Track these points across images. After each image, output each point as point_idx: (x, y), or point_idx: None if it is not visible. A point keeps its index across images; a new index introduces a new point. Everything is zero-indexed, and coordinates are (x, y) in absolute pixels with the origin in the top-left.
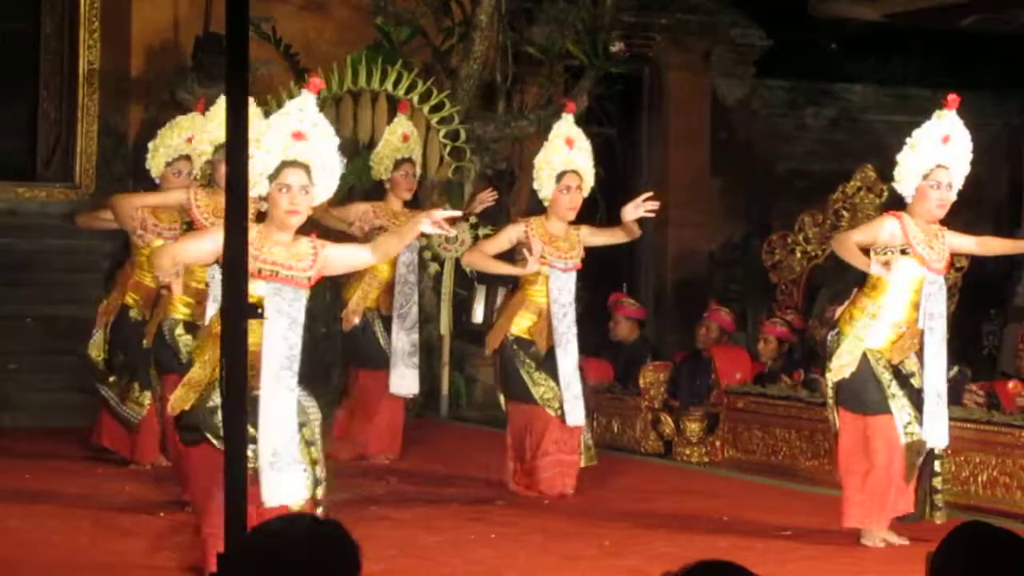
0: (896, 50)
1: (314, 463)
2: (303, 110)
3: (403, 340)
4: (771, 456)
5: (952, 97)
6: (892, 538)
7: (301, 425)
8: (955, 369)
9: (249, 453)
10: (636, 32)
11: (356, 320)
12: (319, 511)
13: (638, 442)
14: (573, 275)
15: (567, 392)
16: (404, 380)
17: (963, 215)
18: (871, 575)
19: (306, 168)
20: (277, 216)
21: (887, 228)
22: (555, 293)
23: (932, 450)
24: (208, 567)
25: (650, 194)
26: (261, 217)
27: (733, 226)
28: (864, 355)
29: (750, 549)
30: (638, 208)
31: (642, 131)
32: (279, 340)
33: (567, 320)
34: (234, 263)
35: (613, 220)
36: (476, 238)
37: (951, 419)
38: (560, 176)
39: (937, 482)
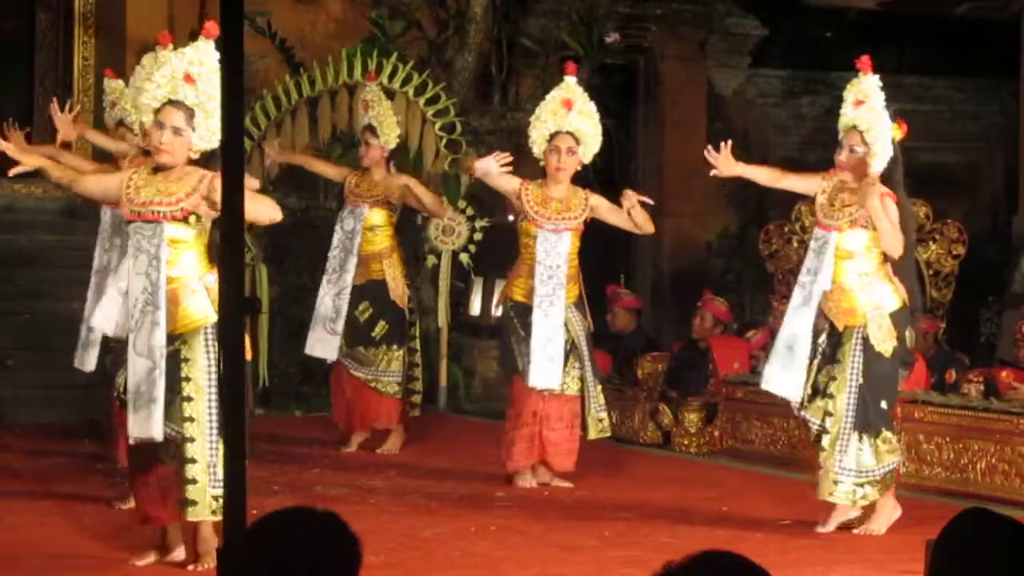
0: (891, 38)
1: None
2: (198, 55)
3: (327, 305)
4: (770, 446)
5: (864, 60)
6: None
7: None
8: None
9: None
10: (631, 22)
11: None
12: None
13: (637, 433)
14: (566, 236)
15: (537, 352)
16: (320, 343)
17: (959, 202)
18: (871, 563)
19: (186, 110)
20: (152, 150)
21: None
22: (541, 254)
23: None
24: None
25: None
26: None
27: (730, 216)
28: None
29: (750, 539)
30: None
31: (638, 121)
32: (141, 278)
33: (553, 282)
34: (232, 255)
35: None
36: (473, 230)
37: (951, 406)
38: (552, 136)
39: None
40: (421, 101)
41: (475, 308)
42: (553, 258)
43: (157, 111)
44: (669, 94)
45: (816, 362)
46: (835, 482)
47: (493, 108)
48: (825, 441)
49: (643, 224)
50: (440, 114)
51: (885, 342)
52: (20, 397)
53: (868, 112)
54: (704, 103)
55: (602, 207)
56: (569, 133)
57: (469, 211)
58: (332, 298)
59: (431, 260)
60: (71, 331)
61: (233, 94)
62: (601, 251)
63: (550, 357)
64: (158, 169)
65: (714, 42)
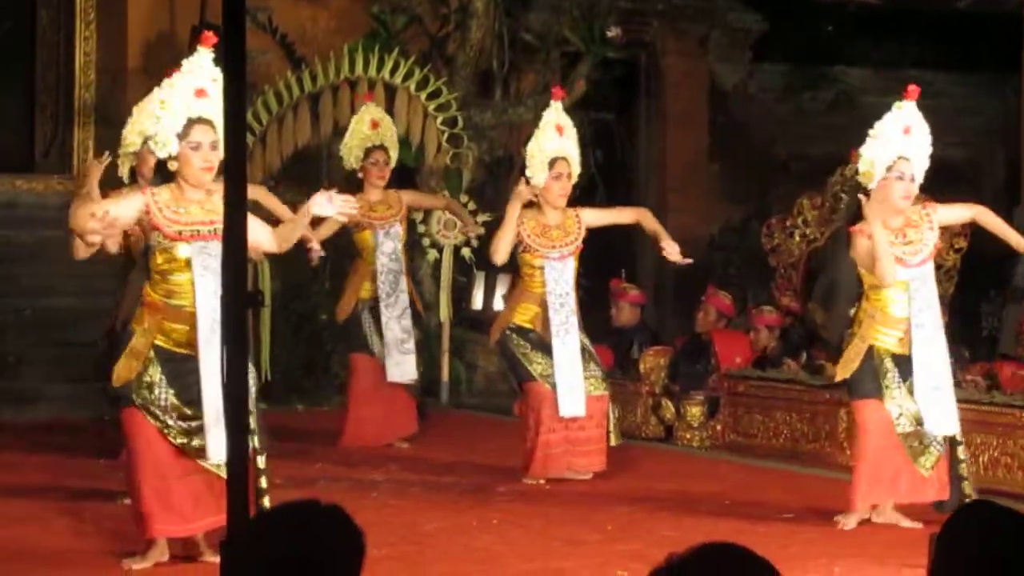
0: (893, 32)
1: (251, 431)
2: (202, 67)
3: (394, 328)
4: (772, 439)
5: (912, 88)
6: (904, 521)
7: None
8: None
9: (171, 422)
10: (632, 17)
11: (348, 311)
12: (262, 481)
13: (639, 427)
14: (570, 262)
15: (562, 384)
16: (400, 367)
17: (961, 197)
18: (874, 557)
19: (212, 124)
20: (191, 174)
21: (861, 248)
22: (551, 284)
23: (954, 437)
24: (141, 534)
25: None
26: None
27: (732, 210)
28: (869, 349)
29: (752, 532)
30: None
31: (640, 116)
32: (211, 297)
33: (565, 310)
34: (233, 250)
35: (612, 203)
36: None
37: None
38: (552, 163)
39: (962, 469)
40: (423, 96)
41: (477, 302)
42: (562, 286)
43: (183, 135)
44: (670, 89)
45: (908, 384)
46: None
47: (494, 103)
48: (961, 450)
49: (656, 225)
50: (442, 109)
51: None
52: (22, 392)
53: (916, 141)
54: (705, 98)
55: (592, 218)
56: (564, 158)
57: (471, 205)
58: (396, 321)
59: (432, 254)
60: (72, 327)
61: (235, 90)
62: (603, 246)
63: (571, 386)
64: (179, 189)
65: (715, 37)
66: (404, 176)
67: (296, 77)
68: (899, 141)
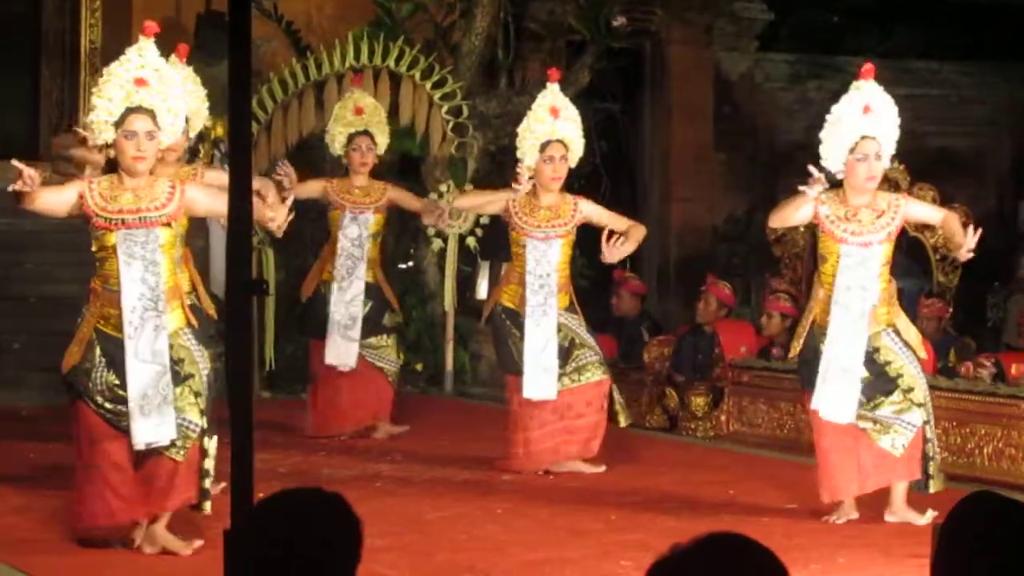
0: (899, 22)
1: (202, 413)
2: (143, 56)
3: (341, 311)
4: (776, 430)
5: (868, 66)
6: (919, 520)
7: (188, 376)
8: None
9: (107, 405)
10: (637, 6)
11: (310, 291)
12: (209, 463)
13: (643, 417)
14: (556, 244)
15: (530, 363)
16: (336, 351)
17: (966, 187)
18: (877, 548)
19: (151, 113)
20: (124, 163)
21: (800, 213)
22: (531, 263)
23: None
24: (80, 522)
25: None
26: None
27: (736, 200)
28: (810, 331)
29: (756, 522)
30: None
31: (644, 106)
32: (137, 284)
33: (544, 291)
34: (238, 238)
35: (616, 194)
36: (477, 215)
37: (958, 390)
38: (544, 146)
39: (928, 449)
40: (427, 84)
41: (481, 292)
42: (543, 267)
43: (119, 123)
44: (676, 78)
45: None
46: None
47: (499, 92)
48: (929, 431)
49: (637, 238)
50: (446, 97)
51: (910, 331)
52: (26, 380)
53: (880, 120)
54: (711, 87)
55: (595, 215)
56: (559, 141)
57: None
58: (345, 305)
59: (437, 244)
60: (77, 314)
61: (240, 77)
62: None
63: (544, 368)
64: (119, 177)
65: (721, 26)
66: (408, 166)
67: (301, 65)
68: (859, 121)
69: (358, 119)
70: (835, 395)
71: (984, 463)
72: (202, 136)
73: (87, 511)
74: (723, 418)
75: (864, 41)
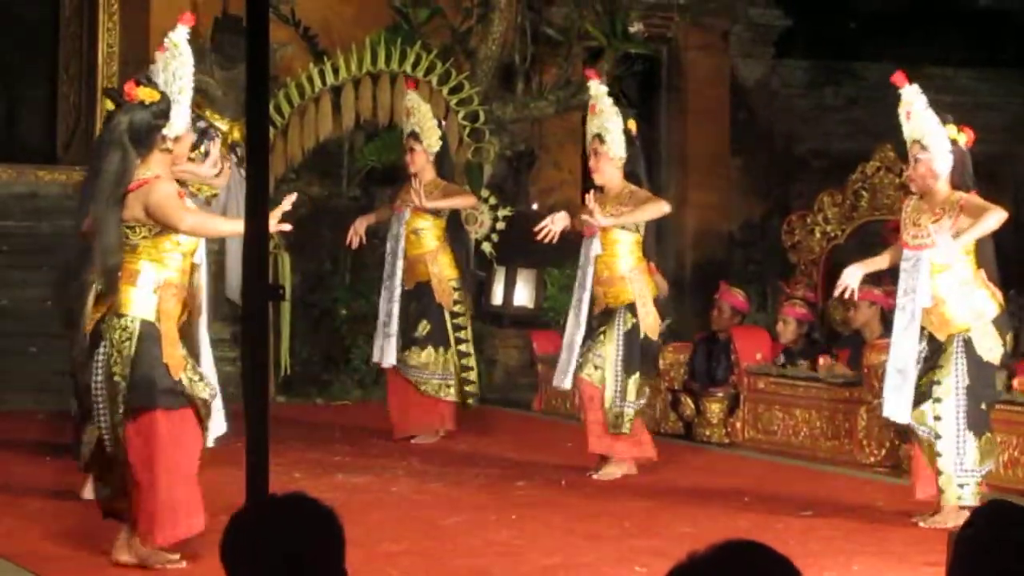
0: (915, 29)
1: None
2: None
3: (383, 310)
4: (792, 437)
5: (897, 75)
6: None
7: None
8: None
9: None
10: (655, 12)
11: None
12: None
13: (658, 423)
14: (595, 241)
15: (563, 357)
16: (378, 349)
17: (982, 193)
18: (893, 555)
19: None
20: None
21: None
22: (581, 259)
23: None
24: (176, 534)
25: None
26: None
27: (753, 206)
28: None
29: (771, 529)
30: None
31: (661, 111)
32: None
33: (582, 286)
34: (255, 241)
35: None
36: (496, 219)
37: None
38: (590, 141)
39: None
40: (445, 90)
41: (497, 297)
42: (587, 261)
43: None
44: (692, 84)
45: (918, 369)
46: (961, 485)
47: (516, 97)
48: (940, 445)
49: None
50: (463, 103)
51: (993, 350)
52: (44, 383)
53: (916, 120)
54: (727, 93)
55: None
56: (596, 135)
57: (492, 200)
58: (385, 303)
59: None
60: None
61: (257, 81)
62: None
63: (567, 360)
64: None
65: (738, 32)
66: None
67: (318, 70)
68: (906, 127)
69: (407, 122)
70: (893, 394)
71: (1000, 471)
72: (205, 131)
73: (183, 523)
74: (739, 425)
75: (881, 47)
